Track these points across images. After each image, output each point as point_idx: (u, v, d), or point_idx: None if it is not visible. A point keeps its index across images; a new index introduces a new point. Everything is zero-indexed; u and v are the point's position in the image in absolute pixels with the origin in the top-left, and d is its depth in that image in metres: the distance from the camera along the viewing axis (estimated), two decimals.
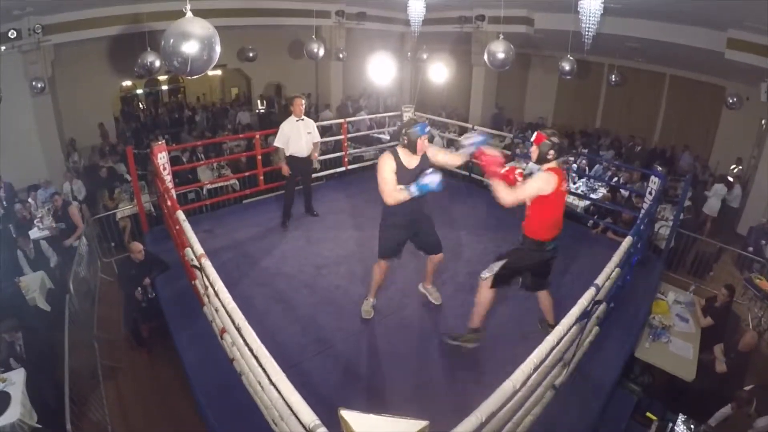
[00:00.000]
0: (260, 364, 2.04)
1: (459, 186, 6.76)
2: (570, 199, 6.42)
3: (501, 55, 4.99)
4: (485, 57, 5.11)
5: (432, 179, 2.89)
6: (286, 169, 4.93)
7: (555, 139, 2.78)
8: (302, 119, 4.90)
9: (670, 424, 3.08)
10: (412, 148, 3.01)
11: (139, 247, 4.21)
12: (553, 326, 2.75)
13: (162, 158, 4.70)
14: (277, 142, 4.89)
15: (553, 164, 2.82)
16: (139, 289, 4.11)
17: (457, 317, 3.70)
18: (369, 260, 4.38)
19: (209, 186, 6.65)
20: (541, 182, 2.78)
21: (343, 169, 6.70)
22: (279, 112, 11.57)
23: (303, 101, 5.01)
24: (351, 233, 5.03)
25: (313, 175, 5.33)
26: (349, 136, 6.88)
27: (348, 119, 6.95)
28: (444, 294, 3.98)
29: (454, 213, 5.59)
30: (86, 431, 3.31)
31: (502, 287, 3.10)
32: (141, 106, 13.26)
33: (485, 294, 3.08)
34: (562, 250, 4.77)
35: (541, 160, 2.83)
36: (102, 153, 8.30)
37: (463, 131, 9.08)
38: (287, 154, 4.91)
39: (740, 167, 8.11)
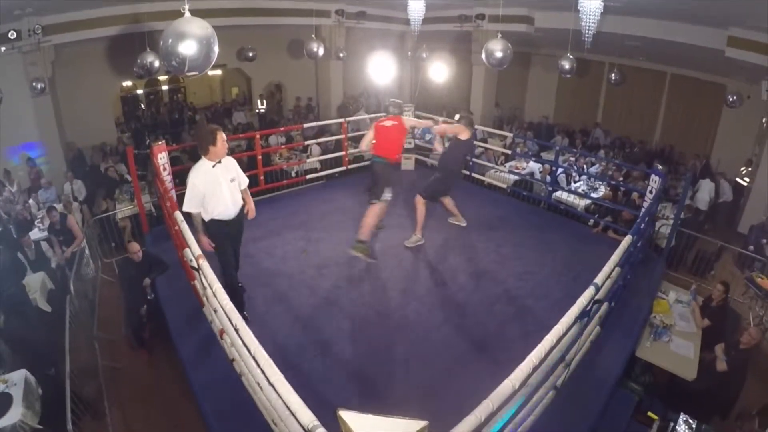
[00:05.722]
0: (259, 365, 2.04)
1: (460, 186, 6.75)
2: (571, 198, 6.43)
3: (499, 54, 4.97)
4: (483, 56, 5.10)
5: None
6: (207, 244, 3.27)
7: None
8: (219, 162, 3.29)
9: (671, 424, 3.06)
10: None
11: (136, 247, 4.22)
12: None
13: (162, 158, 4.69)
14: (191, 207, 3.23)
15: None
16: (147, 279, 4.13)
17: (459, 317, 3.70)
18: (371, 261, 4.39)
19: None
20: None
21: (343, 168, 6.70)
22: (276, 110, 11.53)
23: (225, 136, 3.28)
24: (352, 233, 4.99)
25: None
26: (350, 135, 6.87)
27: (348, 119, 6.94)
28: (445, 294, 4.00)
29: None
30: None
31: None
32: (141, 106, 13.25)
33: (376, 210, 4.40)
34: (563, 249, 4.86)
35: None
36: (104, 153, 8.31)
37: None
38: (207, 219, 3.31)
39: (749, 169, 8.03)
